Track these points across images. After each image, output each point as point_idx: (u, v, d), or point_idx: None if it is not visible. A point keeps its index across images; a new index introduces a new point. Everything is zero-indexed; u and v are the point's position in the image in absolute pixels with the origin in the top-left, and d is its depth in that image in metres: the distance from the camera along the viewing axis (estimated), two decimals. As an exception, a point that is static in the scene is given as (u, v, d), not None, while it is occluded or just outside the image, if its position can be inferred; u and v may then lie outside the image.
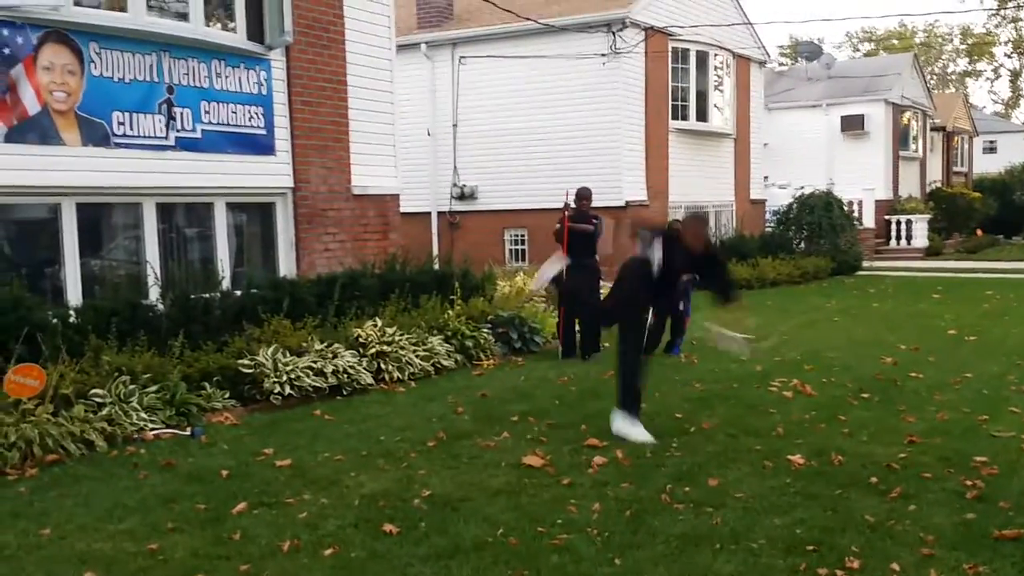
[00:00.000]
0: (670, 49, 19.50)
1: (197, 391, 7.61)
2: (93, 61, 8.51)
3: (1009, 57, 58.42)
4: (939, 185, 34.60)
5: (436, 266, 11.90)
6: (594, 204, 10.87)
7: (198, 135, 9.48)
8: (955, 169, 37.87)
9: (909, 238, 28.46)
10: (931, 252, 28.00)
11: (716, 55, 20.83)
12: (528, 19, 17.82)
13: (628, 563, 4.50)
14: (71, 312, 7.91)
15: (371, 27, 11.62)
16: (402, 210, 12.36)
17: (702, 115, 20.72)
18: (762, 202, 24.05)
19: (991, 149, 50.33)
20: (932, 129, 34.57)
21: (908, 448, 6.47)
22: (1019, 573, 4.32)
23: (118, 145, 8.76)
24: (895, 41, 61.01)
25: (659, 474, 5.92)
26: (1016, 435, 6.76)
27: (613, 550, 4.64)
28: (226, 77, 9.75)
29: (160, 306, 8.53)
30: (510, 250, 19.80)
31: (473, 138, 19.88)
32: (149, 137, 9.02)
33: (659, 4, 18.98)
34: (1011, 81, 64.76)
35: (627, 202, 18.13)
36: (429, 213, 20.29)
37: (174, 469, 6.14)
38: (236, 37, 9.84)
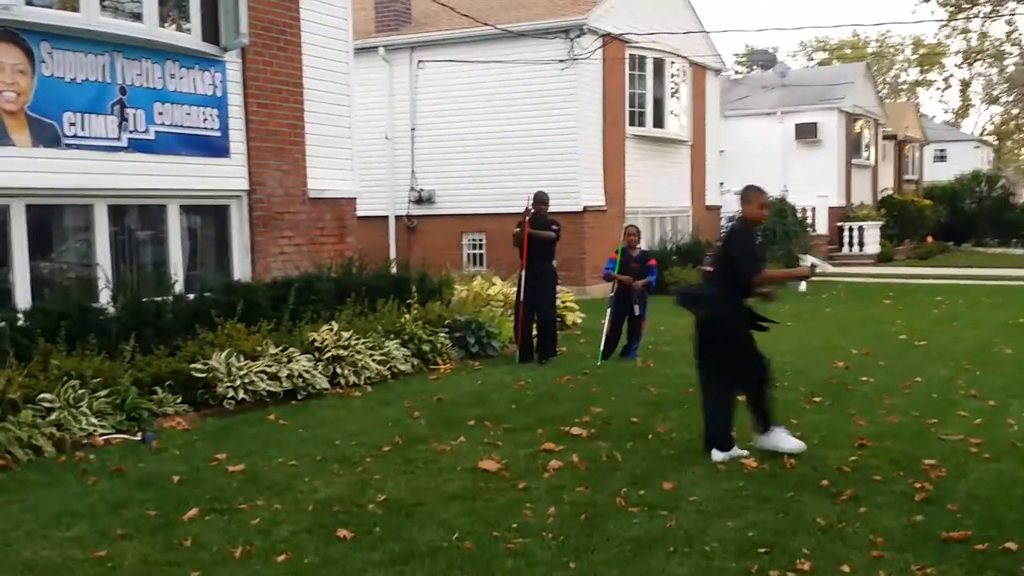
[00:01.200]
0: (627, 56, 19.62)
1: (149, 396, 7.51)
2: (44, 61, 8.36)
3: (959, 67, 59.67)
4: (890, 192, 35.16)
5: (393, 270, 11.87)
6: (552, 209, 10.90)
7: (151, 136, 9.36)
8: (906, 177, 38.53)
9: (861, 244, 28.87)
10: (882, 258, 28.42)
11: (673, 63, 20.99)
12: (486, 24, 17.83)
13: (583, 567, 4.51)
14: (19, 315, 7.76)
15: (328, 30, 11.56)
16: (359, 214, 12.30)
17: (659, 122, 20.86)
18: (717, 208, 24.25)
19: (941, 158, 51.24)
20: (884, 137, 35.13)
21: (859, 451, 6.56)
22: (966, 574, 4.40)
23: (69, 146, 8.62)
24: (848, 50, 61.88)
25: (614, 478, 5.94)
26: (964, 438, 6.87)
27: (568, 554, 4.65)
28: (180, 78, 9.64)
29: (111, 309, 8.42)
30: (468, 254, 19.78)
31: (431, 142, 19.84)
32: (101, 138, 8.89)
33: (616, 12, 19.08)
34: (961, 91, 66.11)
35: (585, 207, 18.20)
36: (387, 217, 20.20)
37: (124, 475, 6.06)
38: (190, 38, 9.74)
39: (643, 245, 12.43)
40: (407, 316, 10.30)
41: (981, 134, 60.80)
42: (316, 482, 5.87)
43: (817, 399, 8.38)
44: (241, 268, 10.44)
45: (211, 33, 9.91)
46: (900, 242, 31.42)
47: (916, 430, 7.23)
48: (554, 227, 10.59)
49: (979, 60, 48.33)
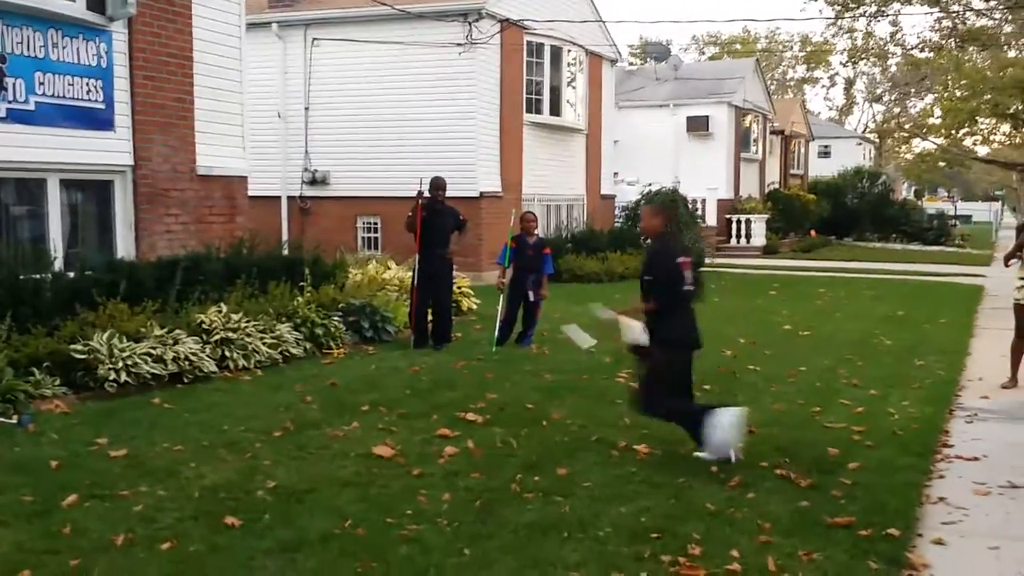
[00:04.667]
0: (525, 43, 19.63)
1: (25, 377, 7.18)
2: (-87, 22, 7.89)
3: (844, 66, 61.50)
4: (777, 186, 36.15)
5: (286, 252, 11.62)
6: (449, 194, 10.82)
7: (31, 107, 8.94)
8: (792, 171, 39.67)
9: (748, 236, 29.61)
10: (768, 251, 29.20)
11: (570, 51, 21.10)
12: (384, 3, 17.57)
13: (477, 553, 4.49)
14: None
15: (219, 2, 11.21)
16: (250, 193, 12.00)
17: (555, 110, 20.96)
18: (612, 198, 24.54)
19: (825, 153, 53.00)
20: (771, 132, 36.11)
21: (746, 438, 6.66)
22: (850, 559, 4.53)
23: (-60, 114, 8.16)
24: (738, 46, 63.29)
25: (509, 464, 5.93)
26: (847, 426, 7.10)
27: (463, 540, 4.62)
28: (63, 47, 9.23)
29: (-15, 287, 8.00)
30: (362, 238, 19.53)
31: (326, 122, 19.50)
32: (-24, 107, 8.44)
33: (516, -3, 19.07)
34: (845, 89, 68.38)
35: (482, 192, 18.16)
36: (279, 197, 19.79)
37: (-2, 459, 5.77)
38: (75, 6, 9.33)
39: (539, 232, 12.44)
40: (300, 299, 10.10)
41: (864, 132, 63.07)
42: (203, 468, 5.70)
43: (706, 387, 8.50)
44: (125, 246, 10.07)
45: (97, 2, 9.51)
46: (785, 235, 32.34)
47: (801, 418, 7.43)
48: (462, 219, 10.70)
49: (863, 59, 50.02)
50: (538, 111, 20.39)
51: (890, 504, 5.30)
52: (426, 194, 10.55)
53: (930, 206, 50.80)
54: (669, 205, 6.46)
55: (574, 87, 21.67)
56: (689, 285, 6.23)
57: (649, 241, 6.48)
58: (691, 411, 6.26)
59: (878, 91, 59.37)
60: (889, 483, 5.70)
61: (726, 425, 6.02)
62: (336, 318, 10.28)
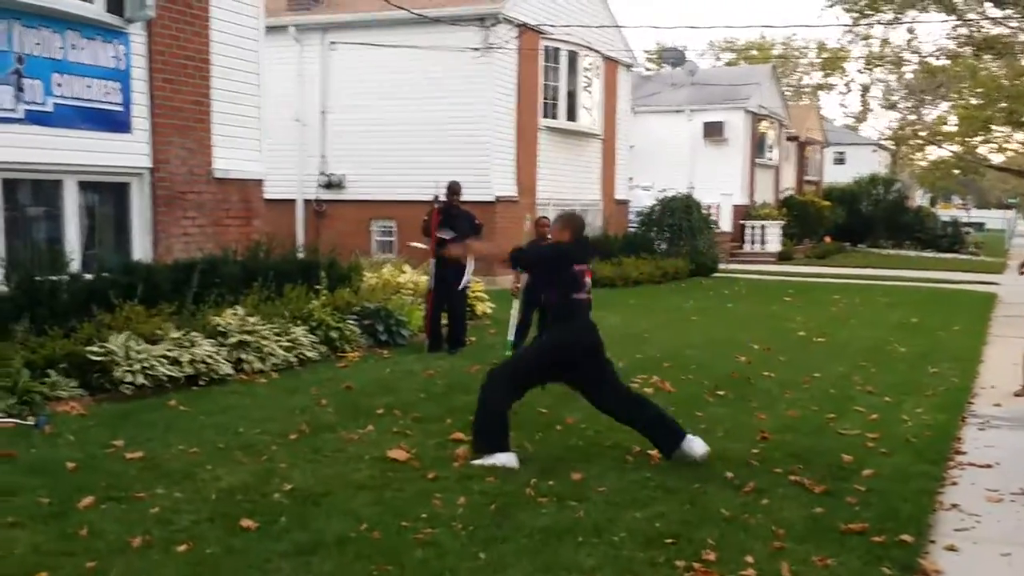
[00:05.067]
0: (542, 47, 19.66)
1: (41, 379, 7.21)
2: (-66, 24, 7.96)
3: (860, 73, 61.29)
4: (792, 193, 36.07)
5: (301, 255, 11.65)
6: (464, 198, 10.85)
7: (49, 108, 8.99)
8: (807, 178, 39.58)
9: (763, 242, 29.56)
10: (783, 257, 29.14)
11: (586, 56, 21.12)
12: (401, 8, 17.63)
13: (492, 556, 4.49)
14: (-97, 292, 7.39)
15: (238, 5, 11.27)
16: (267, 196, 12.05)
17: (572, 115, 20.98)
18: (626, 203, 24.53)
19: (841, 160, 52.85)
20: (787, 138, 36.03)
21: (761, 444, 6.69)
22: (864, 565, 4.51)
23: (-40, 116, 8.23)
24: (755, 52, 63.19)
25: (523, 468, 5.92)
26: (861, 433, 7.08)
27: (478, 544, 4.62)
28: (81, 49, 9.28)
29: (3, 288, 8.06)
30: (377, 241, 19.57)
31: (342, 126, 19.56)
32: (-5, 109, 8.50)
33: (532, 2, 19.08)
34: (861, 95, 68.10)
35: (497, 197, 18.18)
36: (295, 201, 19.86)
37: (15, 460, 5.79)
38: (94, 8, 9.38)
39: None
40: (315, 302, 10.13)
41: (879, 138, 62.83)
42: (219, 470, 5.71)
43: (720, 392, 8.53)
44: (142, 249, 10.12)
45: (115, 3, 9.58)
46: (800, 241, 32.26)
47: (815, 424, 7.41)
48: (477, 223, 10.72)
49: (879, 66, 49.89)
50: (554, 116, 20.41)
51: (903, 511, 5.28)
52: (441, 198, 10.57)
53: (944, 213, 50.55)
54: (576, 217, 6.51)
55: (590, 92, 21.67)
56: (583, 295, 6.30)
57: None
58: (501, 413, 6.10)
59: (893, 98, 59.12)
60: (903, 490, 5.68)
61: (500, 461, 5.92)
62: (351, 321, 10.30)
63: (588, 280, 6.35)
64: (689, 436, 6.19)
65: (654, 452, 6.34)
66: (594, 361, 6.34)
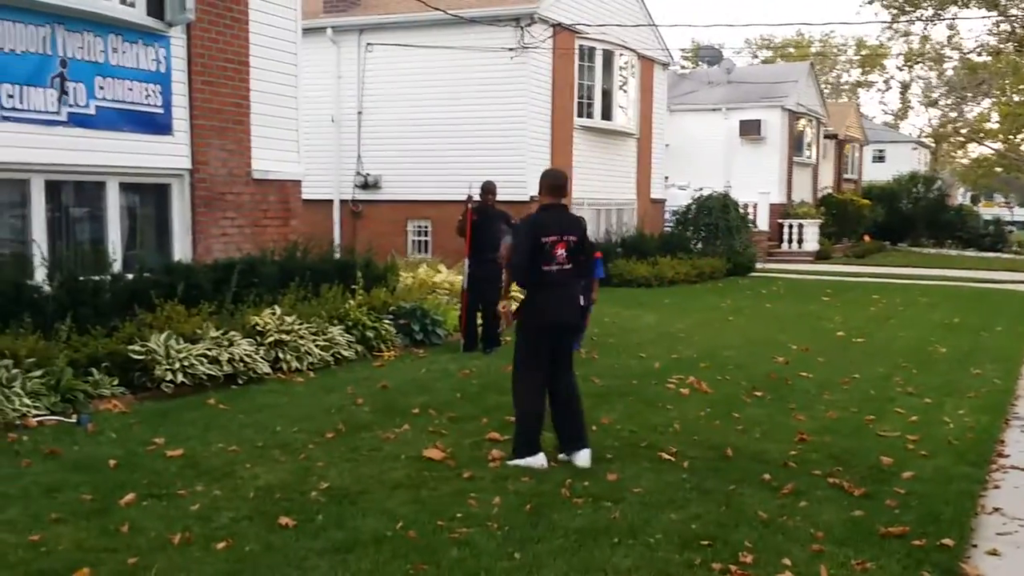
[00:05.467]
0: (577, 47, 19.63)
1: (84, 377, 7.33)
2: (-19, 30, 8.11)
3: (900, 70, 60.66)
4: (830, 191, 35.74)
5: (338, 255, 11.73)
6: (499, 198, 10.87)
7: (91, 111, 9.12)
8: (846, 176, 39.19)
9: (800, 241, 29.30)
10: (821, 256, 28.87)
11: (622, 55, 21.05)
12: (437, 9, 17.68)
13: (528, 557, 4.50)
14: (-50, 292, 7.53)
15: (276, 8, 11.36)
16: (304, 197, 12.13)
17: (607, 114, 20.92)
18: (662, 202, 24.43)
19: (880, 158, 52.28)
20: (825, 136, 35.69)
21: (799, 446, 6.65)
22: (904, 569, 4.47)
23: (6, 119, 8.36)
24: (792, 49, 62.68)
25: (559, 469, 5.94)
26: (901, 435, 7.00)
27: (513, 544, 4.64)
28: (123, 52, 9.41)
29: (47, 288, 8.19)
30: (413, 241, 19.66)
31: (378, 126, 19.66)
32: (40, 111, 8.64)
33: (567, 1, 19.06)
34: (901, 93, 67.22)
35: (532, 197, 18.15)
36: (331, 201, 20.00)
37: (59, 457, 5.90)
38: (135, 12, 9.50)
39: (589, 236, 12.41)
40: (351, 302, 10.19)
41: (919, 136, 62.07)
42: (257, 468, 5.78)
43: (758, 393, 8.47)
44: (182, 249, 10.23)
45: (156, 7, 9.69)
46: (838, 240, 31.96)
47: (855, 426, 7.34)
48: (513, 222, 10.67)
49: (919, 63, 49.29)
50: (589, 115, 20.36)
51: (945, 514, 5.22)
52: (476, 198, 10.60)
53: (986, 212, 49.91)
54: (549, 174, 6.34)
55: (625, 91, 21.60)
56: (552, 267, 6.08)
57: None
58: (529, 413, 6.10)
59: (934, 95, 58.33)
60: (944, 493, 5.62)
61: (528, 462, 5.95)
62: (387, 321, 10.36)
63: (560, 251, 6.10)
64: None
65: (690, 453, 6.32)
66: (561, 341, 6.24)
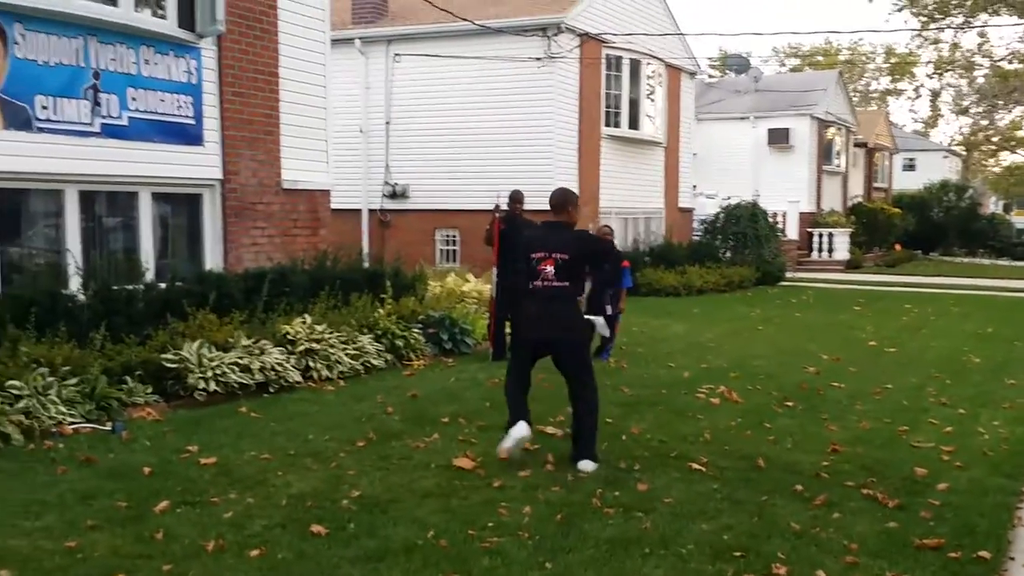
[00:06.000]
0: (604, 56, 19.63)
1: (118, 385, 7.40)
2: (17, 43, 8.21)
3: (930, 77, 60.11)
4: (860, 200, 35.48)
5: (367, 264, 11.78)
6: (527, 207, 10.88)
7: (124, 122, 9.23)
8: (876, 185, 38.89)
9: (831, 251, 29.11)
10: (851, 265, 28.67)
11: (649, 64, 21.03)
12: (464, 19, 17.76)
13: (559, 567, 4.49)
14: (-12, 301, 7.63)
15: (305, 19, 11.45)
16: (333, 206, 12.20)
17: (634, 123, 20.89)
18: (690, 211, 24.36)
19: (910, 166, 51.85)
20: (855, 145, 35.45)
21: (831, 456, 6.59)
22: (939, 581, 4.43)
23: (41, 130, 8.47)
24: (820, 58, 62.34)
25: (589, 478, 5.93)
26: (936, 446, 6.93)
27: (544, 553, 4.63)
28: (155, 64, 9.51)
29: (81, 297, 8.28)
30: (441, 250, 19.72)
31: (406, 136, 19.76)
32: (73, 123, 8.74)
33: (594, 11, 19.09)
34: (931, 101, 66.65)
35: (558, 206, 18.15)
36: (360, 210, 20.10)
37: (94, 465, 5.96)
38: (166, 24, 9.61)
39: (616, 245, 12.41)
40: (381, 311, 10.23)
41: (950, 144, 61.53)
42: (289, 476, 5.81)
43: (789, 403, 8.42)
44: (213, 258, 10.32)
45: (187, 19, 9.79)
46: (869, 249, 31.72)
47: (888, 437, 7.28)
48: None
49: (950, 71, 48.90)
50: (616, 124, 20.35)
51: (980, 526, 5.16)
52: (504, 207, 10.62)
53: (1018, 220, 49.25)
54: (553, 194, 6.64)
55: (653, 100, 21.58)
56: (538, 283, 6.30)
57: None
58: (509, 395, 6.47)
59: (965, 103, 57.83)
60: (979, 504, 5.56)
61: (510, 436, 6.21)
62: (416, 330, 10.38)
63: (547, 268, 6.25)
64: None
65: (722, 463, 6.30)
66: (557, 354, 6.44)
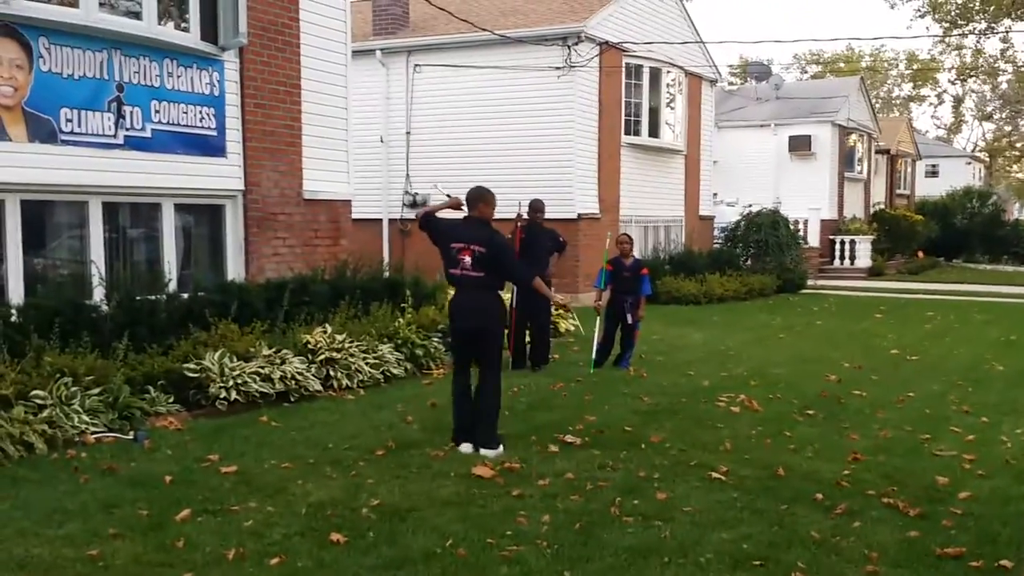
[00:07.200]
0: (624, 65, 19.64)
1: (141, 394, 7.48)
2: (42, 56, 8.33)
3: (952, 84, 59.79)
4: (882, 207, 35.27)
5: (387, 273, 11.84)
6: (547, 216, 10.92)
7: (148, 134, 9.33)
8: (898, 191, 38.66)
9: (852, 258, 28.95)
10: (874, 272, 28.50)
11: (669, 72, 21.03)
12: (484, 30, 17.83)
13: (578, 575, 4.49)
14: (12, 311, 7.72)
15: (326, 31, 11.55)
16: (353, 216, 12.27)
17: (654, 131, 20.89)
18: (711, 219, 24.30)
19: (933, 173, 51.52)
20: (877, 152, 35.27)
21: (852, 465, 6.56)
22: (960, 590, 4.40)
23: (65, 142, 8.58)
24: (842, 64, 62.15)
25: (608, 487, 5.93)
26: (958, 454, 6.88)
27: (563, 562, 4.64)
28: (178, 77, 9.61)
29: (104, 307, 8.37)
30: (461, 259, 19.72)
31: (426, 146, 19.83)
32: (97, 135, 8.85)
33: (614, 20, 19.12)
34: (953, 107, 66.33)
35: (579, 215, 18.20)
36: (380, 220, 20.18)
37: (116, 474, 6.02)
38: (189, 37, 9.71)
39: (636, 254, 12.42)
40: (401, 320, 10.27)
41: (973, 150, 61.11)
42: (309, 485, 5.84)
43: (810, 412, 8.38)
44: (235, 268, 10.40)
45: (210, 32, 9.89)
46: (891, 256, 31.52)
47: (909, 445, 7.23)
48: (561, 240, 10.80)
49: (973, 76, 48.61)
50: (636, 133, 20.35)
51: (1002, 535, 5.13)
52: (524, 216, 10.66)
53: (1044, 227, 48.83)
54: (470, 192, 7.07)
55: (673, 108, 21.57)
56: (457, 271, 6.78)
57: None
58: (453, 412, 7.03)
59: (988, 109, 57.46)
60: (1002, 513, 5.52)
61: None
62: (436, 339, 10.41)
63: (465, 258, 6.76)
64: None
65: (741, 472, 6.28)
66: (476, 346, 6.88)
